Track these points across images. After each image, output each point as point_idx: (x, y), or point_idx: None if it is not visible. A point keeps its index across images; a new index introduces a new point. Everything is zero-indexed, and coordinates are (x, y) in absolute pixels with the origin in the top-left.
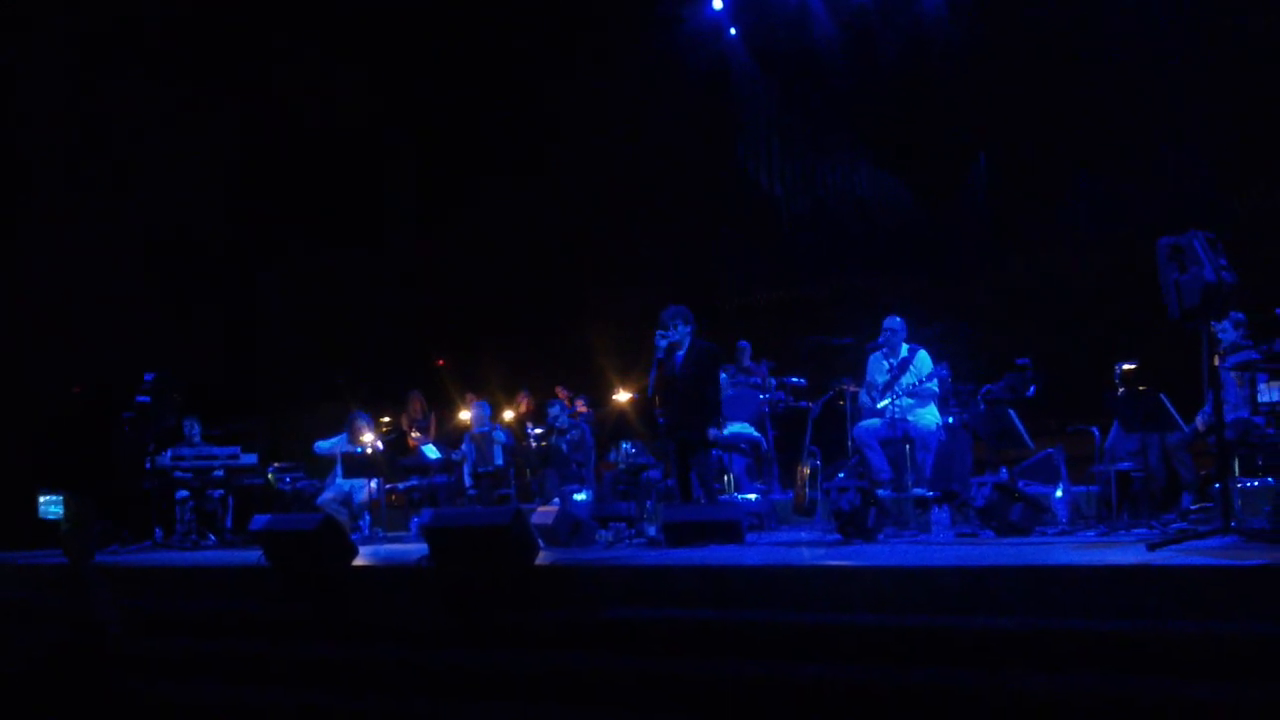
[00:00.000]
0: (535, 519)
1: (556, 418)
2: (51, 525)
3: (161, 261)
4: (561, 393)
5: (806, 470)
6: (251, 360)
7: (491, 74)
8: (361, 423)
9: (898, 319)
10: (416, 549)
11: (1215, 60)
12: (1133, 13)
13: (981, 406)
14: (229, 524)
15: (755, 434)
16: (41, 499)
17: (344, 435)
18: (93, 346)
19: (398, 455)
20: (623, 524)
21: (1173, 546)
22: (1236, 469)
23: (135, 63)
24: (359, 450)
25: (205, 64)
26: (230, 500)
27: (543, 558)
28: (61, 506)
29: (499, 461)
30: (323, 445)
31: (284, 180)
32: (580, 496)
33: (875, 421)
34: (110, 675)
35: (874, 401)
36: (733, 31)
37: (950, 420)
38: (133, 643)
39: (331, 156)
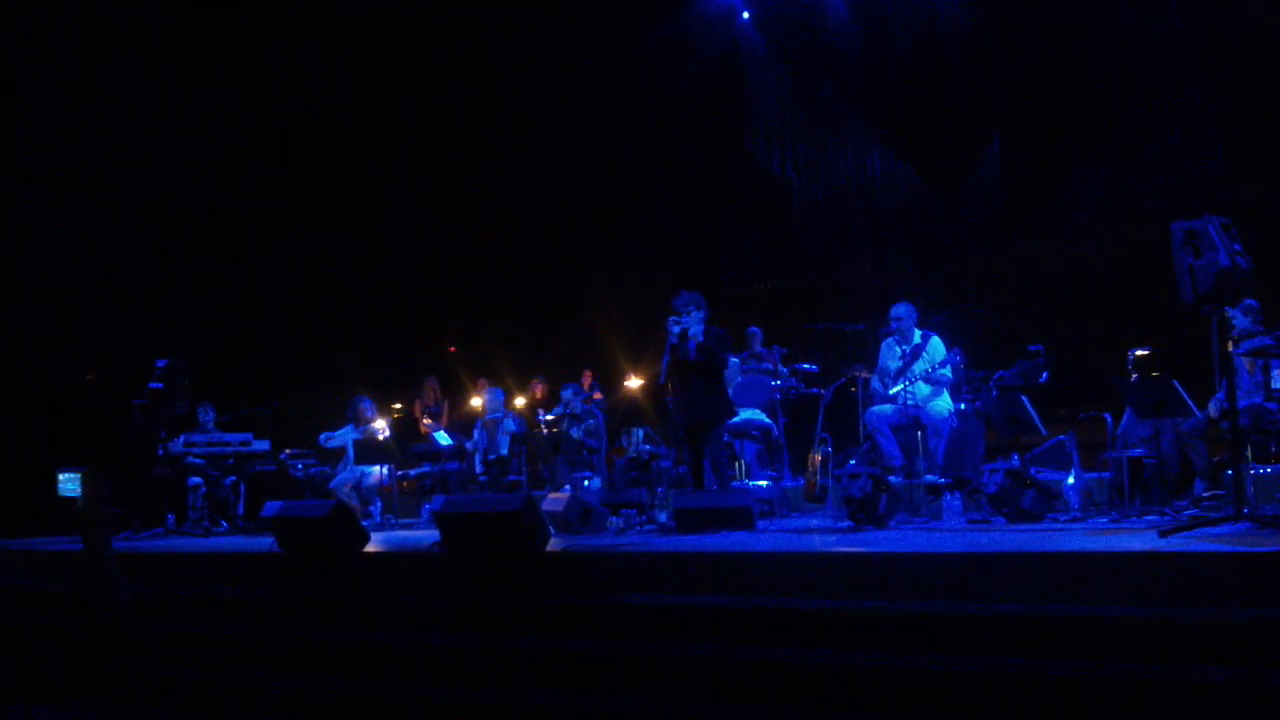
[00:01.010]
0: (546, 506)
1: (569, 402)
2: (69, 503)
3: (173, 248)
4: (587, 377)
5: (818, 457)
6: (263, 347)
7: (500, 57)
8: (364, 406)
9: (906, 306)
10: (428, 535)
11: (1227, 45)
12: None
13: (994, 393)
14: (241, 510)
15: (766, 420)
16: (60, 476)
17: (350, 424)
18: (105, 333)
19: (409, 441)
20: (634, 511)
21: (1185, 533)
22: (1249, 455)
23: (139, 48)
24: (375, 431)
25: (210, 48)
26: (242, 487)
27: (554, 544)
28: (79, 485)
29: (504, 450)
30: (329, 438)
31: (294, 165)
32: (590, 483)
33: (887, 408)
34: (122, 655)
35: (886, 388)
36: (745, 15)
37: (962, 406)
38: (146, 627)
39: (341, 140)
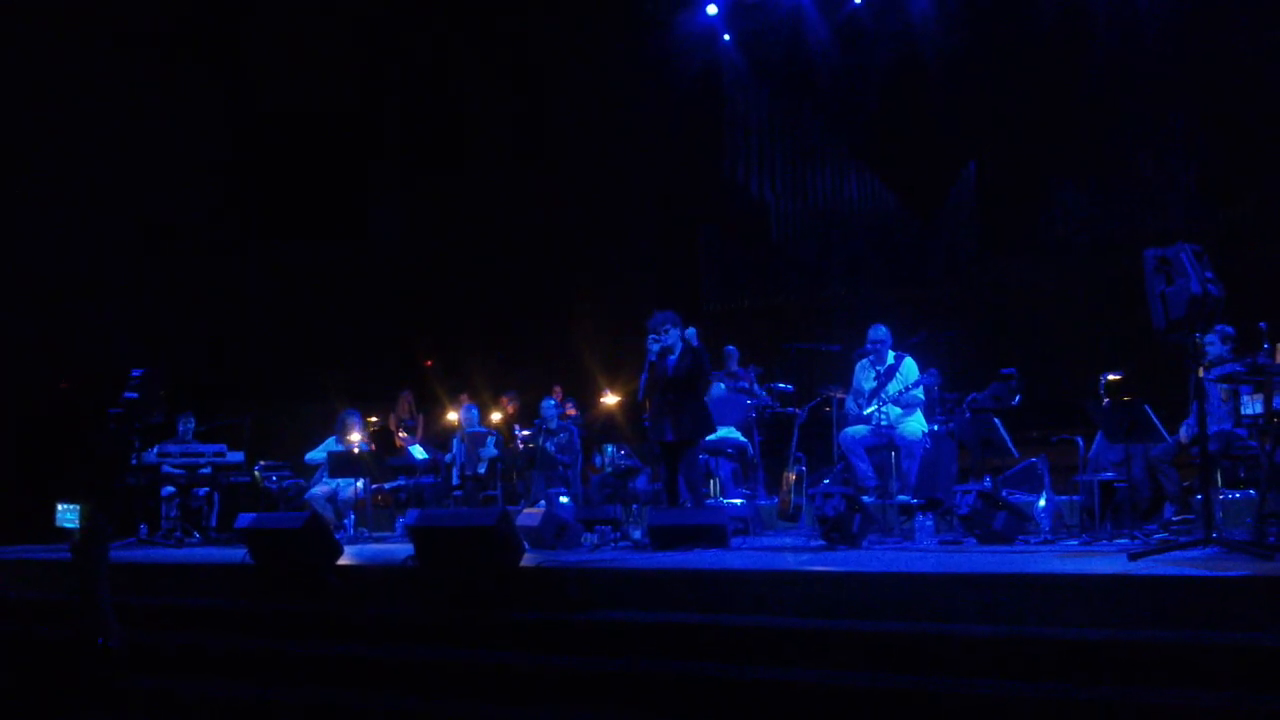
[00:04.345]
0: (521, 521)
1: (549, 419)
2: (66, 534)
3: (149, 257)
4: (558, 393)
5: (792, 476)
6: (238, 358)
7: (482, 72)
8: (353, 421)
9: (883, 328)
10: (402, 549)
11: (1201, 73)
12: (1120, 25)
13: (967, 415)
14: (214, 522)
15: (742, 439)
16: (59, 507)
17: (333, 437)
18: (81, 342)
19: (385, 455)
20: (608, 527)
21: (1154, 556)
22: (1219, 481)
23: (121, 53)
24: (345, 448)
25: (194, 54)
26: (216, 498)
27: (528, 559)
28: (77, 516)
29: (482, 470)
30: (313, 455)
31: (276, 175)
32: (566, 499)
33: (861, 428)
34: (110, 679)
35: (860, 408)
36: (726, 38)
37: (935, 428)
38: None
39: (324, 151)
